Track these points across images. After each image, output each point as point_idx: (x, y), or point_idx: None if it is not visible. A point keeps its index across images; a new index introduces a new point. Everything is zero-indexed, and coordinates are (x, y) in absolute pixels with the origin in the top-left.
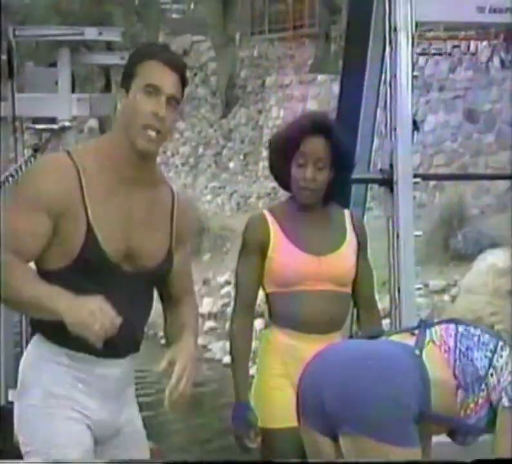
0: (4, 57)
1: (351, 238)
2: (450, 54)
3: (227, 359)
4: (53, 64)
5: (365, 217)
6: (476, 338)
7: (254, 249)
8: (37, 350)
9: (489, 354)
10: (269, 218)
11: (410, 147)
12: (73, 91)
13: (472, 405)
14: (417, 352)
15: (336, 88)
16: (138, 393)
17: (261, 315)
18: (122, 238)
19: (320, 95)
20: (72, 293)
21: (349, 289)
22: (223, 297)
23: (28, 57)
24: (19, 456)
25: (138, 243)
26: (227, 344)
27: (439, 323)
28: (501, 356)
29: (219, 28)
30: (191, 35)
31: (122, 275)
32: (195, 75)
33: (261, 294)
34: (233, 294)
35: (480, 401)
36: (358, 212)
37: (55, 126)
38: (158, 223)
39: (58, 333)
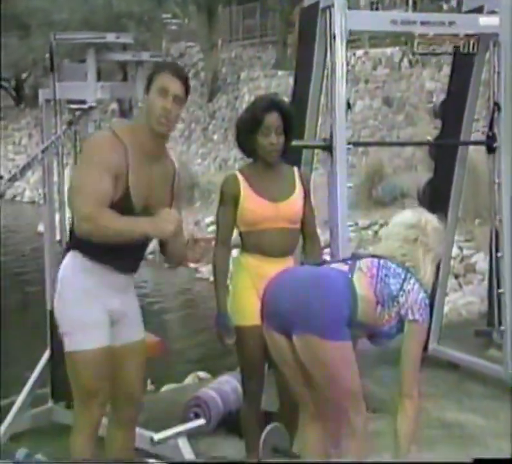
0: (47, 56)
1: (299, 188)
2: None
3: (212, 278)
4: (83, 61)
5: (312, 174)
6: (392, 269)
7: (229, 199)
8: (72, 262)
9: (400, 280)
10: (240, 177)
11: (345, 122)
12: (98, 80)
13: (386, 317)
14: (349, 275)
15: (291, 80)
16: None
17: (236, 246)
18: (143, 195)
19: (280, 86)
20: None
21: (298, 225)
22: (209, 234)
23: (65, 55)
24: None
25: (153, 199)
26: None
27: (366, 257)
28: (409, 283)
29: (206, 37)
30: (185, 42)
31: None
32: (188, 71)
33: (236, 231)
34: None
35: (393, 314)
36: (307, 170)
37: (84, 106)
38: (166, 185)
39: (90, 251)
